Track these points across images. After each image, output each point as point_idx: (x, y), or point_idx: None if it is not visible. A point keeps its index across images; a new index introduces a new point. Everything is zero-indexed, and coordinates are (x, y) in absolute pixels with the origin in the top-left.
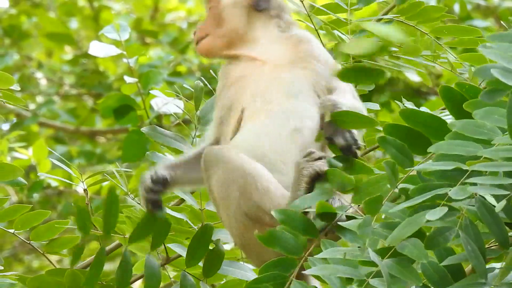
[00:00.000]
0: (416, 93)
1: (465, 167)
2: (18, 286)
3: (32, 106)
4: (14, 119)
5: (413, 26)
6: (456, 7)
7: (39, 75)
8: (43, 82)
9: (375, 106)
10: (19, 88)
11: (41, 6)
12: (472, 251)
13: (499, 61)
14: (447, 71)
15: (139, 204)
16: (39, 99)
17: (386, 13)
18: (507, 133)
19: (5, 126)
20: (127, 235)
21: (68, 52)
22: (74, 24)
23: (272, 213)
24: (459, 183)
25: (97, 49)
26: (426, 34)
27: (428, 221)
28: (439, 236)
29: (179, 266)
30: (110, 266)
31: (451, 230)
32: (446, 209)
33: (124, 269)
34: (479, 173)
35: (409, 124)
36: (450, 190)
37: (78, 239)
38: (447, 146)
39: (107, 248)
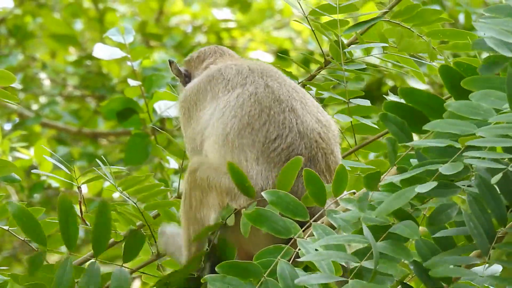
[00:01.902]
0: None
1: (458, 145)
2: (12, 283)
3: (35, 107)
4: (17, 119)
5: (408, 29)
6: (461, 18)
7: (42, 75)
8: (46, 82)
9: (366, 102)
10: (21, 87)
11: (46, 7)
12: (474, 228)
13: (493, 35)
14: None
15: (131, 200)
16: (42, 99)
17: (382, 16)
18: (502, 112)
19: (7, 126)
20: (122, 233)
21: (72, 54)
22: (78, 25)
23: (263, 194)
24: (451, 160)
25: (101, 51)
26: (421, 36)
27: (418, 194)
28: (441, 214)
29: (173, 263)
30: (107, 268)
31: (453, 207)
32: (435, 183)
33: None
34: (473, 149)
35: (409, 103)
36: (441, 166)
37: None
38: (442, 125)
39: None
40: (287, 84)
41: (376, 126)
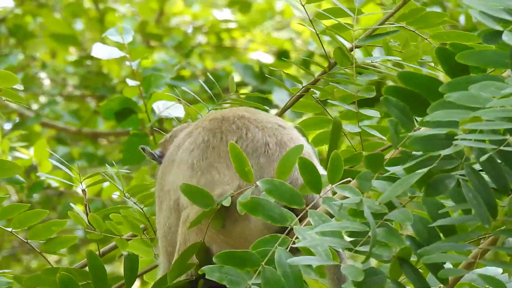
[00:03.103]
0: None
1: (458, 131)
2: (14, 285)
3: (35, 106)
4: (17, 119)
5: (414, 32)
6: (462, 19)
7: (42, 75)
8: (46, 82)
9: (376, 114)
10: (22, 88)
11: (46, 7)
12: (473, 198)
13: (479, 8)
14: None
15: (137, 205)
16: (42, 99)
17: (387, 19)
18: (501, 97)
19: (7, 126)
20: (124, 236)
21: (72, 53)
22: (79, 25)
23: (258, 183)
24: (453, 145)
25: (100, 51)
26: (426, 39)
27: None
28: (438, 184)
29: None
30: (108, 269)
31: (451, 178)
32: (435, 164)
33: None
34: (472, 132)
35: (408, 87)
36: (443, 151)
37: (76, 239)
38: (443, 114)
39: (104, 249)
40: (232, 109)
41: (383, 137)
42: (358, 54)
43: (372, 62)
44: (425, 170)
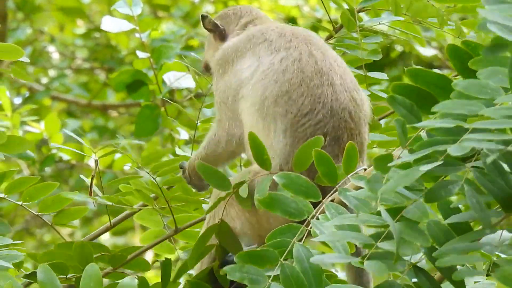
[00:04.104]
0: (428, 67)
1: (466, 125)
2: (29, 261)
3: (44, 80)
4: (27, 93)
5: None
6: None
7: (51, 49)
8: (55, 56)
9: (383, 76)
10: (28, 60)
11: None
12: (476, 203)
13: (498, 20)
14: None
15: (148, 173)
16: (51, 73)
17: None
18: (510, 92)
19: (18, 100)
20: (135, 206)
21: (81, 26)
22: None
23: (274, 177)
24: (460, 140)
25: (109, 24)
26: (429, 1)
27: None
28: (441, 189)
29: (188, 237)
30: (120, 240)
31: (455, 184)
32: (438, 162)
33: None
34: (480, 131)
35: (417, 84)
36: (450, 147)
37: (86, 210)
38: (450, 105)
39: (116, 219)
40: (329, 55)
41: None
42: (366, 19)
43: (380, 23)
44: (430, 166)
